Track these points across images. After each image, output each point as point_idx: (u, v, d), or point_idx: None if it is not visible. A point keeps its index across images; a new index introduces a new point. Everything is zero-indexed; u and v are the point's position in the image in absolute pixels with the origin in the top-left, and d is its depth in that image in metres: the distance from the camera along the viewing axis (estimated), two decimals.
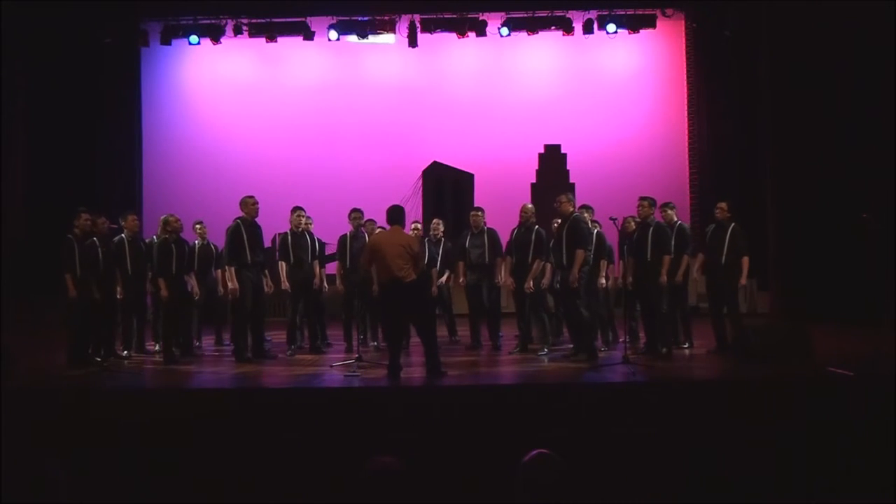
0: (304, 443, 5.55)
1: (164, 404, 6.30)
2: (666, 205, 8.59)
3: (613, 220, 8.11)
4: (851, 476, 4.02)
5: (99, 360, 7.98)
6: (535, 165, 13.78)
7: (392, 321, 7.29)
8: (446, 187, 13.86)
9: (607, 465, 4.95)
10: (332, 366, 7.71)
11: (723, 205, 8.21)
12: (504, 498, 2.96)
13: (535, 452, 2.84)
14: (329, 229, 9.39)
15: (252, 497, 4.98)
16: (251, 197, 8.31)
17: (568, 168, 13.69)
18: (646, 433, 5.50)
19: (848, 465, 4.50)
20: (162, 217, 8.63)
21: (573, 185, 13.00)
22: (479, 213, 9.05)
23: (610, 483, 4.71)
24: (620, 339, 8.66)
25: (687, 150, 13.64)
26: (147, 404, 6.32)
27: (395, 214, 7.23)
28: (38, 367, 7.97)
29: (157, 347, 8.83)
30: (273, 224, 9.42)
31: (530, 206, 8.73)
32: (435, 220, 9.60)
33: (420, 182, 13.75)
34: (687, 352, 8.38)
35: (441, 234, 9.38)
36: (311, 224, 9.13)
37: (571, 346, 8.03)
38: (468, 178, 13.84)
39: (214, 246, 9.33)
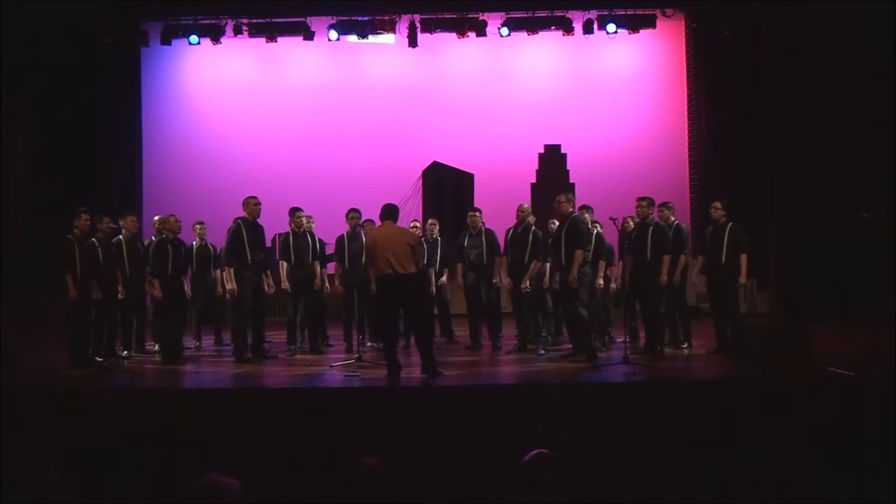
0: (304, 443, 5.55)
1: (164, 404, 6.30)
2: (664, 204, 8.59)
3: (614, 220, 8.12)
4: (851, 476, 4.02)
5: (99, 360, 7.99)
6: (535, 165, 13.77)
7: (388, 317, 7.29)
8: (446, 187, 13.86)
9: (607, 465, 4.95)
10: (332, 366, 7.72)
11: (717, 204, 8.16)
12: (504, 498, 2.96)
13: (534, 452, 2.84)
14: (329, 229, 9.38)
15: (251, 497, 4.97)
16: (253, 197, 8.31)
17: (568, 168, 13.69)
18: (646, 433, 5.50)
19: (848, 465, 4.50)
20: (165, 216, 8.65)
21: (573, 185, 12.98)
22: (477, 213, 9.05)
23: (610, 483, 4.71)
24: (619, 340, 8.65)
25: (687, 150, 13.62)
26: (147, 404, 6.32)
27: (390, 211, 7.26)
28: (38, 367, 7.97)
29: (156, 347, 8.83)
30: (273, 224, 9.41)
31: (526, 205, 8.73)
32: (431, 221, 9.59)
33: (420, 182, 13.75)
34: (686, 352, 8.38)
35: (437, 233, 9.38)
36: (313, 224, 9.13)
37: (571, 346, 8.03)
38: (468, 178, 13.83)
39: (212, 246, 9.33)
